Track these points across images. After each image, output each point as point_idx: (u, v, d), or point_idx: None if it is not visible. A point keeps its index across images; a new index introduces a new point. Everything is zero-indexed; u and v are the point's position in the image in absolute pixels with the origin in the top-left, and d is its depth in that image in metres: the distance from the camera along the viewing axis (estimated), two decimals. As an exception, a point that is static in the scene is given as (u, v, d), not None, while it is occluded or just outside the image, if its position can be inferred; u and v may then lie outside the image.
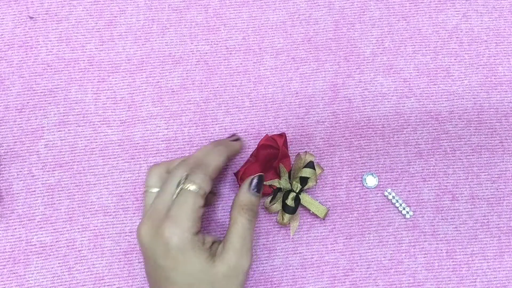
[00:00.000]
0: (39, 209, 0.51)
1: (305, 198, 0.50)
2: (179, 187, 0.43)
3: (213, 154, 0.45)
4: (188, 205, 0.42)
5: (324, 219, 0.51)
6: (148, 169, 0.47)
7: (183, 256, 0.41)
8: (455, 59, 0.55)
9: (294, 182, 0.49)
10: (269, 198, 0.50)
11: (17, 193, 0.51)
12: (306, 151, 0.51)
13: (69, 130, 0.52)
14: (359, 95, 0.54)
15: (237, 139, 0.50)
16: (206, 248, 0.42)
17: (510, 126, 0.53)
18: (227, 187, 0.52)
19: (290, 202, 0.49)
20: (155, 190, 0.45)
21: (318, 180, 0.51)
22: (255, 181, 0.45)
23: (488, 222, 0.52)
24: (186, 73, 0.54)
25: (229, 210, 0.47)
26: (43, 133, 0.52)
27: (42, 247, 0.50)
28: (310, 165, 0.49)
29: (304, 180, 0.49)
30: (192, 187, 0.42)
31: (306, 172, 0.49)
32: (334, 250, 0.51)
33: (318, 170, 0.50)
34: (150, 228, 0.42)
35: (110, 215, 0.51)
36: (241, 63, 0.54)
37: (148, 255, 0.42)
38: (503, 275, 0.51)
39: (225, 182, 0.52)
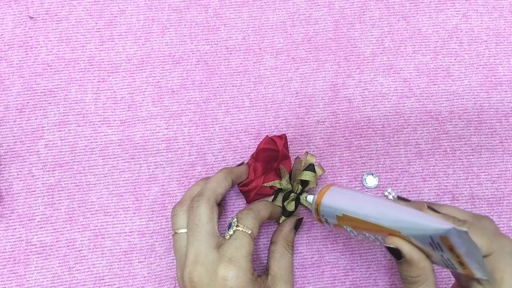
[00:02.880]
0: (39, 209, 0.51)
1: (305, 199, 0.50)
2: (232, 229, 0.43)
3: (260, 206, 0.46)
4: (245, 248, 0.42)
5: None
6: (171, 212, 0.46)
7: None
8: (455, 59, 0.55)
9: (294, 184, 0.49)
10: (270, 199, 0.50)
11: (17, 193, 0.51)
12: (307, 152, 0.51)
13: (69, 130, 0.52)
14: (359, 95, 0.54)
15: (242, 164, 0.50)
16: (262, 285, 0.43)
17: (510, 126, 0.53)
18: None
19: (290, 204, 0.49)
20: (184, 231, 0.45)
21: (318, 180, 0.51)
22: (298, 222, 0.49)
23: (488, 222, 0.52)
24: (186, 73, 0.54)
25: (269, 243, 0.49)
26: (43, 133, 0.52)
27: (42, 247, 0.50)
28: (311, 167, 0.49)
29: (304, 182, 0.49)
30: (247, 230, 0.43)
31: (306, 175, 0.49)
32: (334, 250, 0.51)
33: (319, 171, 0.50)
34: (206, 272, 0.41)
35: (110, 215, 0.51)
36: (241, 63, 0.54)
37: None
38: (503, 275, 0.51)
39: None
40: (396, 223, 0.38)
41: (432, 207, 0.39)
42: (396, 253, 0.38)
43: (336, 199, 0.42)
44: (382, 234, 0.39)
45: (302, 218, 0.50)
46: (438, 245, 0.36)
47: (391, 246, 0.38)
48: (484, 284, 0.38)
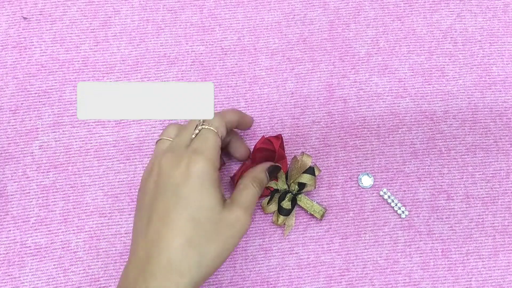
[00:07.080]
0: (33, 210, 0.51)
1: (302, 199, 0.50)
2: (198, 128, 0.44)
3: (228, 110, 0.48)
4: (210, 141, 0.43)
5: (321, 220, 0.51)
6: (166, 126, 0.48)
7: (200, 187, 0.41)
8: (449, 59, 0.55)
9: (292, 184, 0.49)
10: (267, 199, 0.50)
11: (12, 195, 0.51)
12: (303, 152, 0.51)
13: (63, 131, 0.52)
14: (354, 95, 0.54)
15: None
16: (221, 191, 0.43)
17: (504, 125, 0.53)
18: (224, 189, 0.52)
19: (287, 203, 0.49)
20: (170, 139, 0.46)
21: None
22: (272, 167, 0.48)
23: (483, 221, 0.52)
24: (181, 74, 0.54)
25: (237, 182, 0.48)
26: (38, 134, 0.52)
27: (37, 249, 0.50)
28: (310, 171, 0.49)
29: (302, 184, 0.49)
30: (213, 127, 0.44)
31: (306, 178, 0.49)
32: (330, 250, 0.51)
33: (316, 172, 0.50)
34: (172, 157, 0.42)
35: (105, 216, 0.51)
36: (236, 64, 0.54)
37: (163, 182, 0.42)
38: (498, 274, 0.51)
39: (222, 184, 0.52)
40: None
41: None
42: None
43: None
44: None
45: (279, 166, 0.49)
46: None
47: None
48: None
